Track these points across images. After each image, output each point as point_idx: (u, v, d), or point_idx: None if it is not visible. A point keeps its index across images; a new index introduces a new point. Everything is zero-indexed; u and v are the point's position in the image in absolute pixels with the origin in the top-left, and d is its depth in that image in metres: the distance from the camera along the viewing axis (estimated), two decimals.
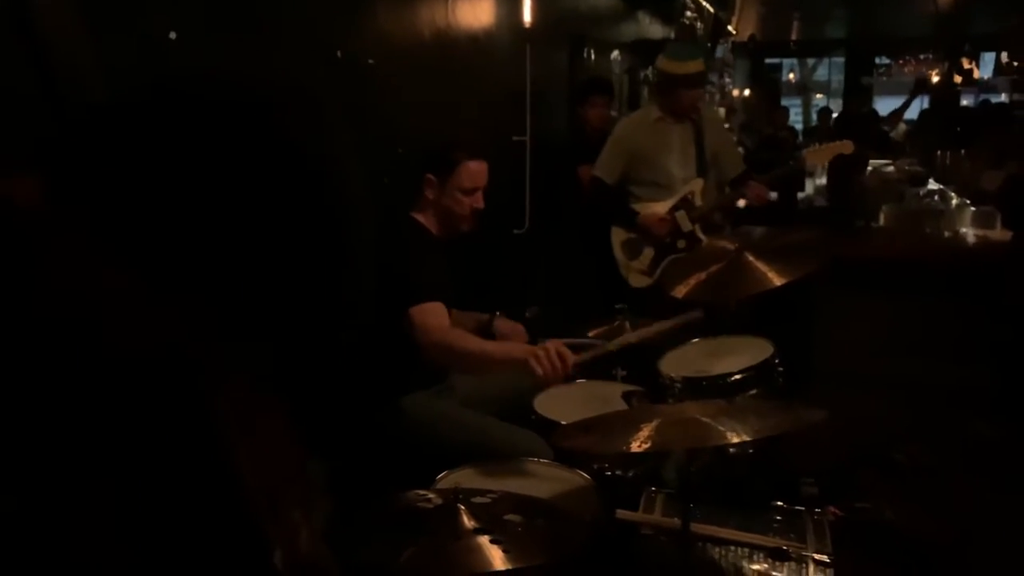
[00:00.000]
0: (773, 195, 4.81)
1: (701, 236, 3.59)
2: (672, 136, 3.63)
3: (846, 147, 3.76)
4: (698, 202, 3.63)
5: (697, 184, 3.63)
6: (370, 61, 2.68)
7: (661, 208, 3.63)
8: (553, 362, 2.05)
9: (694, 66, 3.53)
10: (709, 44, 7.80)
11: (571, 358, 2.08)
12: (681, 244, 3.60)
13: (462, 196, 2.38)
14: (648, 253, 3.67)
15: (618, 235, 3.75)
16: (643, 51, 6.05)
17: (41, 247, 0.56)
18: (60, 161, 0.59)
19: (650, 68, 5.78)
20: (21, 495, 0.47)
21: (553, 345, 2.09)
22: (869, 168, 5.75)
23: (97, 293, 0.55)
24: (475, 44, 3.55)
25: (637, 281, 3.70)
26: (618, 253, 3.75)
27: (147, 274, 0.57)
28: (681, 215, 3.62)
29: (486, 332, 2.66)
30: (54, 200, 0.57)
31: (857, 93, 7.94)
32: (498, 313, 2.72)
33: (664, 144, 3.62)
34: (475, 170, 2.39)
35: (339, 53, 2.51)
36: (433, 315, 2.24)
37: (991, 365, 3.85)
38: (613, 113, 5.22)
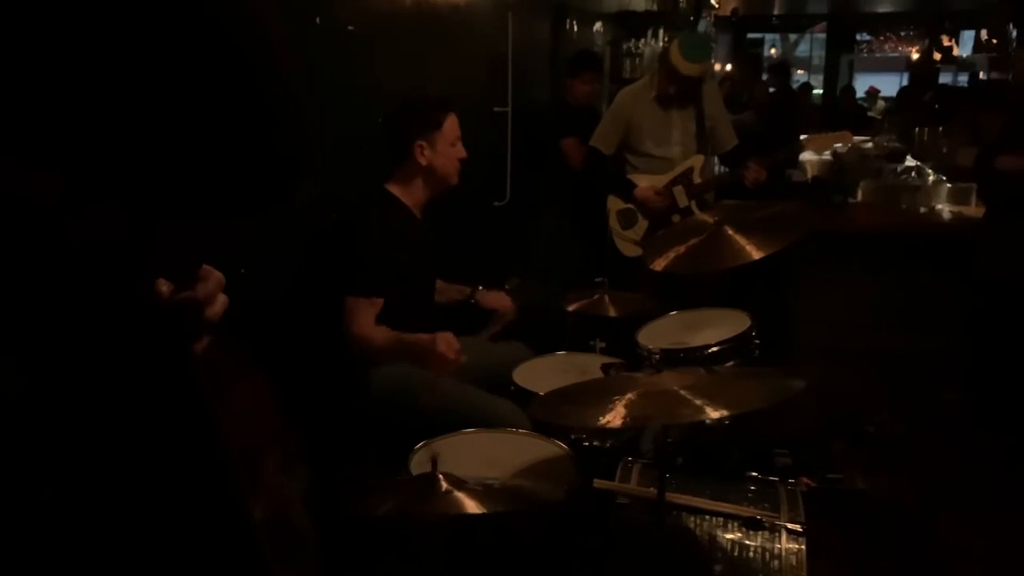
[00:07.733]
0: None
1: (696, 212, 3.55)
2: (672, 111, 3.61)
3: (844, 138, 3.83)
4: (697, 179, 3.62)
5: (697, 160, 3.62)
6: (349, 28, 2.64)
7: (660, 181, 3.63)
8: (448, 344, 2.26)
9: (703, 68, 3.55)
10: (692, 17, 7.75)
11: (456, 344, 2.31)
12: (676, 219, 3.58)
13: (452, 149, 2.44)
14: (642, 224, 3.67)
15: (614, 204, 3.74)
16: (626, 23, 5.99)
17: None
18: None
19: (633, 40, 5.73)
20: None
21: (444, 335, 2.30)
22: (848, 144, 5.78)
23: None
24: (456, 12, 3.50)
25: (628, 251, 3.70)
26: (613, 222, 3.75)
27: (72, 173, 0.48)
28: (679, 190, 3.61)
29: (469, 303, 2.68)
30: None
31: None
32: (480, 287, 2.74)
33: (664, 119, 3.61)
34: (455, 121, 2.47)
35: (318, 19, 2.46)
36: (364, 311, 2.31)
37: (961, 337, 3.91)
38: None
